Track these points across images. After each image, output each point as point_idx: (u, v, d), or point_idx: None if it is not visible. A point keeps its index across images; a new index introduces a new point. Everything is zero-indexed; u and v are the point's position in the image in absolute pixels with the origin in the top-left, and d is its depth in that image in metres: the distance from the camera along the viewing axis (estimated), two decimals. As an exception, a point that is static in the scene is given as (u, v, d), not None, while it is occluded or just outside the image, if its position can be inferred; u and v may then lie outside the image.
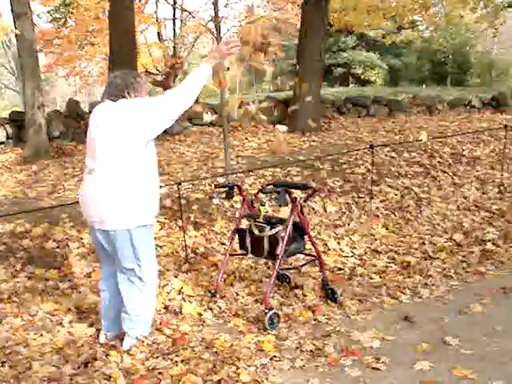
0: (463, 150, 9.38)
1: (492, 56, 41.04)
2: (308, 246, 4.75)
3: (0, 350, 3.88)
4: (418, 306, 4.64)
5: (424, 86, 29.06)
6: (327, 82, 30.08)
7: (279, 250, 4.28)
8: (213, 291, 4.70)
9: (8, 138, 11.17)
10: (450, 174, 8.46)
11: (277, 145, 4.00)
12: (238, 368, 3.59)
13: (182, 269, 5.34)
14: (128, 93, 3.71)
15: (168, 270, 5.25)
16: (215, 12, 6.78)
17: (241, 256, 5.19)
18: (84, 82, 24.86)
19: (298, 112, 11.62)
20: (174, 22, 22.83)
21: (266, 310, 4.18)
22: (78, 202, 3.92)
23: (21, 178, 8.31)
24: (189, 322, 4.37)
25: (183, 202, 6.11)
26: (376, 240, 6.25)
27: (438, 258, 5.71)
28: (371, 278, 5.23)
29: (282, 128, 4.10)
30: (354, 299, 4.73)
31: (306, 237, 4.62)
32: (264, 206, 6.50)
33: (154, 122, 3.59)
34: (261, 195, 4.79)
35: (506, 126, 8.61)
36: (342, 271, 5.43)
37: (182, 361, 3.71)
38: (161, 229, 5.95)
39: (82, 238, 5.63)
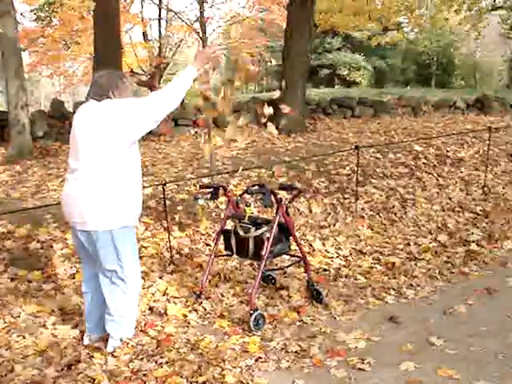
0: (448, 152, 9.43)
1: (476, 58, 41.37)
2: (293, 246, 4.74)
3: (-18, 352, 3.83)
4: (403, 306, 4.65)
5: (409, 88, 29.24)
6: (313, 83, 30.17)
7: (264, 251, 4.28)
8: (198, 292, 4.68)
9: (-9, 138, 11.06)
10: (435, 175, 8.50)
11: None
12: (223, 369, 3.58)
13: (166, 270, 5.31)
14: (112, 93, 3.69)
15: (153, 271, 5.22)
16: (201, 12, 6.77)
17: (226, 257, 5.17)
18: (68, 81, 24.68)
19: (283, 113, 11.60)
20: (159, 22, 22.77)
21: (251, 311, 4.17)
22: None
23: (4, 178, 8.22)
24: (174, 323, 4.35)
25: (168, 202, 6.09)
26: (361, 241, 6.27)
27: (422, 258, 5.73)
28: (356, 279, 5.24)
29: (272, 129, 4.12)
30: (339, 300, 4.74)
31: (291, 238, 4.62)
32: (249, 206, 6.48)
33: (138, 123, 3.57)
34: (246, 196, 4.78)
35: (489, 128, 8.67)
36: (327, 272, 5.43)
37: (167, 362, 3.69)
38: (145, 229, 5.92)
39: (66, 239, 5.58)
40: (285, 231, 4.54)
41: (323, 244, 6.11)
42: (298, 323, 4.34)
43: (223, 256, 5.03)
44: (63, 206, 3.78)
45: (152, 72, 22.14)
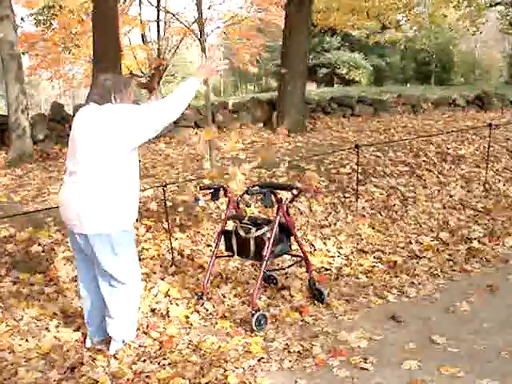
0: (448, 149, 9.42)
1: (475, 55, 41.37)
2: (294, 246, 4.74)
3: (-15, 356, 3.84)
4: (405, 305, 4.65)
5: (408, 86, 29.24)
6: (312, 83, 30.16)
7: (265, 252, 4.28)
8: (199, 293, 4.69)
9: (-9, 141, 11.06)
10: (436, 172, 8.49)
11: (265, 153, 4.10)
12: (225, 370, 3.59)
13: (168, 271, 5.31)
14: (115, 97, 3.69)
15: (154, 273, 5.22)
16: (199, 14, 6.77)
17: (227, 258, 5.17)
18: (68, 84, 24.69)
19: (284, 113, 11.63)
20: (158, 24, 22.76)
21: (253, 312, 4.17)
22: (61, 205, 3.89)
23: (5, 182, 8.22)
24: (176, 324, 4.35)
25: (169, 204, 6.09)
26: (362, 240, 6.26)
27: (424, 256, 5.73)
28: (358, 278, 5.24)
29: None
30: (341, 299, 4.74)
31: (292, 238, 4.62)
32: (250, 207, 6.49)
33: (137, 130, 3.58)
34: (246, 196, 4.78)
35: (490, 125, 8.66)
36: (328, 271, 5.43)
37: (170, 364, 3.70)
38: (146, 231, 5.92)
39: (67, 242, 5.56)
40: (286, 231, 4.54)
41: (324, 243, 6.11)
42: (300, 323, 4.34)
43: (224, 257, 5.03)
44: (61, 208, 3.79)
45: (151, 74, 22.14)
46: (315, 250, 5.96)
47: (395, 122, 13.01)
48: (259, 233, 4.34)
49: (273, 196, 4.44)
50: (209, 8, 20.55)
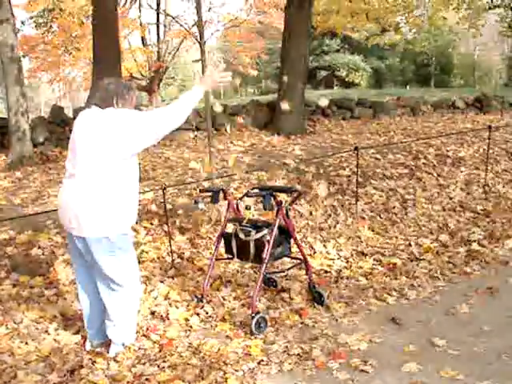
0: (448, 151, 9.42)
1: (475, 57, 41.40)
2: (294, 249, 4.74)
3: (-16, 359, 3.84)
4: (405, 307, 4.65)
5: (408, 88, 29.27)
6: (312, 85, 30.18)
7: (265, 254, 4.28)
8: (199, 296, 4.68)
9: (-9, 144, 11.07)
10: (435, 175, 8.49)
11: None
12: (225, 373, 3.58)
13: (168, 274, 5.31)
14: (117, 102, 3.70)
15: (154, 276, 5.22)
16: (199, 16, 6.77)
17: (227, 260, 5.17)
18: (68, 87, 24.73)
19: (283, 115, 11.64)
20: (157, 27, 22.81)
21: (253, 314, 4.16)
22: (62, 208, 3.89)
23: (5, 184, 8.23)
24: (176, 327, 4.35)
25: (168, 206, 6.09)
26: (362, 242, 6.26)
27: (424, 259, 5.73)
28: (358, 281, 5.24)
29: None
30: (340, 302, 4.74)
31: (291, 240, 4.62)
32: (249, 209, 6.48)
33: (138, 137, 3.57)
34: (246, 199, 4.78)
35: (489, 127, 8.67)
36: (328, 274, 5.43)
37: (169, 366, 3.69)
38: (146, 234, 5.92)
39: (67, 245, 5.58)
40: (285, 234, 4.54)
41: (324, 246, 6.11)
42: (300, 326, 4.33)
43: (224, 259, 5.03)
44: (59, 210, 3.79)
45: (151, 77, 22.19)
46: (315, 252, 5.96)
47: (395, 125, 13.03)
48: (259, 235, 4.34)
49: (272, 199, 4.44)
50: (208, 11, 20.63)
